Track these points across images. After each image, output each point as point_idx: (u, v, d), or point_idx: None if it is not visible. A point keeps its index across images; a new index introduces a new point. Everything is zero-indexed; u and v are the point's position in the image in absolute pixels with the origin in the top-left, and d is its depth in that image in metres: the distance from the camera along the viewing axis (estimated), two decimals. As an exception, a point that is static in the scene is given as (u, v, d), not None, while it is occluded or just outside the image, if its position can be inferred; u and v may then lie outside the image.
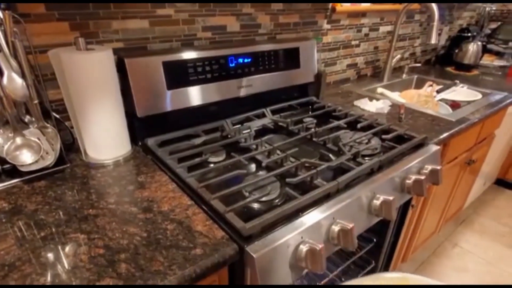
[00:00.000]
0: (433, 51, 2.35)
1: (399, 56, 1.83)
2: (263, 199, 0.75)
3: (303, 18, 1.36)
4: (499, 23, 2.42)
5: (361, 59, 1.80)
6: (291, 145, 1.00)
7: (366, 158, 0.94)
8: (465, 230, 2.14)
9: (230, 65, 1.07)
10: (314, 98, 1.38)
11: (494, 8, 2.53)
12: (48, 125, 0.84)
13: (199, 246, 0.61)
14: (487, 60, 2.28)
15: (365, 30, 1.70)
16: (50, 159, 0.81)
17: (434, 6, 1.43)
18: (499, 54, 2.34)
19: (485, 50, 2.24)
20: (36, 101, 0.80)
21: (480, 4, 2.50)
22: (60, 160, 0.85)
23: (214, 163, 0.92)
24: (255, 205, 0.75)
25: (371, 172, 0.87)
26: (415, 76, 1.97)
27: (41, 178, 0.81)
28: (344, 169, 0.85)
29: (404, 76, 1.94)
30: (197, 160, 0.88)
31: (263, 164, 0.87)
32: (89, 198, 0.74)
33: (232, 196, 0.74)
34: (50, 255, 0.58)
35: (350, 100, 1.46)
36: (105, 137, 0.88)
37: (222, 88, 1.08)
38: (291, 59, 1.24)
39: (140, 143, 0.99)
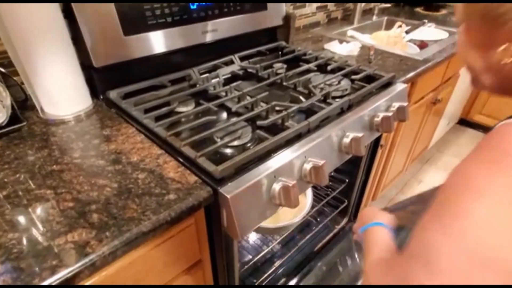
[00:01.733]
0: (402, -8, 2.30)
1: (368, -4, 1.78)
2: (235, 143, 0.74)
3: (268, -46, 1.26)
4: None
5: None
6: (262, 90, 0.97)
7: (337, 99, 0.94)
8: (430, 167, 2.28)
9: (191, 7, 0.99)
10: (284, 43, 1.34)
11: None
12: (-6, 80, 0.77)
13: (172, 191, 0.60)
14: (454, -1, 2.27)
15: (333, -32, 1.62)
16: (1, 118, 0.75)
17: None
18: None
19: (452, -11, 2.22)
20: (-25, 54, 0.72)
21: None
22: (14, 119, 0.79)
23: (183, 112, 0.89)
24: (228, 150, 0.74)
25: (341, 112, 0.88)
26: (385, 18, 1.95)
27: (-5, 138, 0.75)
28: (314, 111, 0.85)
29: (374, 18, 1.91)
30: (164, 110, 0.85)
31: (233, 110, 0.85)
32: (52, 155, 0.71)
33: (203, 142, 0.73)
34: (16, 212, 0.56)
35: (320, 45, 1.43)
36: (61, 90, 0.82)
37: (186, 33, 1.01)
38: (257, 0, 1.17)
39: (102, 97, 0.93)
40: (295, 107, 0.82)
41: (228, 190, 0.60)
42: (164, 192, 0.60)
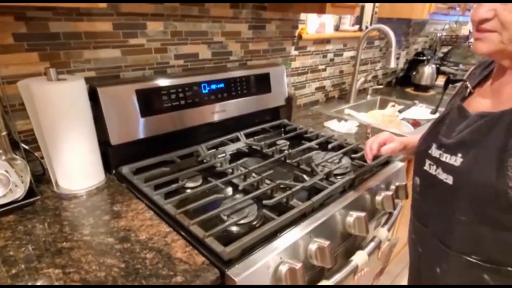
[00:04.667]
0: (393, 74, 2.51)
1: (362, 79, 1.95)
2: (241, 222, 0.76)
3: (272, 45, 1.43)
4: (450, 47, 2.65)
5: (328, 82, 1.89)
6: (266, 168, 1.02)
7: (338, 177, 0.99)
8: (434, 241, 2.23)
9: (203, 91, 1.10)
10: (286, 121, 1.43)
11: (444, 34, 2.77)
12: (17, 156, 0.82)
13: (179, 273, 0.61)
14: (441, 81, 2.47)
15: (330, 55, 1.80)
16: (19, 192, 0.78)
17: (390, 33, 1.56)
18: (451, 74, 2.55)
19: (439, 72, 2.44)
20: (4, 133, 0.78)
21: (432, 30, 2.73)
22: (30, 193, 0.82)
23: (191, 188, 0.92)
24: (234, 229, 0.76)
25: (343, 190, 0.91)
26: (379, 97, 2.10)
27: (9, 213, 0.77)
28: (318, 189, 0.88)
29: (368, 97, 2.06)
30: (173, 186, 0.88)
31: (240, 188, 0.88)
32: (62, 231, 0.72)
33: (211, 221, 0.75)
34: (22, 294, 0.56)
35: (320, 122, 1.53)
36: (77, 166, 0.87)
37: (196, 114, 1.10)
38: (262, 84, 1.30)
39: (114, 171, 0.97)
40: (299, 186, 0.86)
41: (236, 273, 0.60)
42: (172, 273, 0.61)
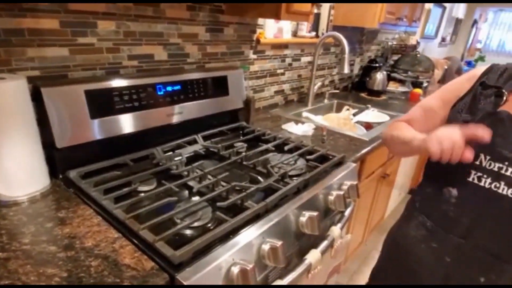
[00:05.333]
0: (349, 79, 2.63)
1: (319, 83, 2.02)
2: (195, 224, 0.76)
3: (230, 48, 1.44)
4: (399, 55, 2.83)
5: (287, 86, 1.94)
6: (223, 170, 1.02)
7: (294, 178, 1.01)
8: (388, 238, 2.35)
9: (159, 93, 1.08)
10: (244, 123, 1.44)
11: (395, 43, 2.95)
12: None
13: (126, 280, 0.59)
14: (392, 86, 2.63)
15: (288, 60, 1.85)
16: None
17: (344, 40, 1.63)
18: (401, 82, 2.72)
19: (390, 78, 2.59)
20: None
21: (383, 39, 2.90)
22: (-40, 201, 0.75)
23: (144, 192, 0.90)
24: (188, 232, 0.75)
25: (297, 191, 0.94)
26: (335, 101, 2.18)
27: None
28: (273, 190, 0.90)
29: (325, 101, 2.13)
30: (125, 190, 0.85)
31: (194, 190, 0.88)
32: (-2, 241, 0.67)
33: (163, 225, 0.73)
34: None
35: (278, 124, 1.56)
36: (17, 171, 0.81)
37: (151, 116, 1.07)
38: (220, 86, 1.30)
39: (61, 176, 0.92)
40: (253, 187, 0.87)
41: (186, 277, 0.59)
42: (118, 280, 0.58)
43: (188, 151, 1.16)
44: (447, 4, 4.37)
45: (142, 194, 0.87)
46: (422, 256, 0.84)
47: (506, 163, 0.67)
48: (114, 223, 0.74)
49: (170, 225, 0.73)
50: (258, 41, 1.54)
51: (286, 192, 0.89)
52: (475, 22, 5.75)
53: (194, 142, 1.23)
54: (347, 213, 1.08)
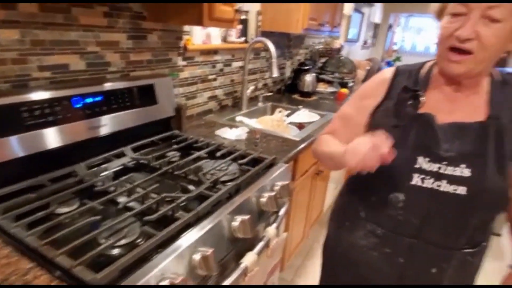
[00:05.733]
0: (282, 82, 2.73)
1: (252, 87, 2.06)
2: (122, 242, 0.72)
3: (156, 55, 1.40)
4: (326, 58, 3.02)
5: (220, 91, 1.95)
6: (153, 182, 0.99)
7: (228, 183, 1.02)
8: (327, 230, 2.49)
9: (76, 105, 1.01)
10: (177, 132, 1.41)
11: (321, 47, 3.15)
12: None
13: (41, 313, 0.54)
14: (321, 87, 2.80)
15: (219, 65, 1.86)
16: None
17: (270, 45, 1.69)
18: (329, 82, 2.91)
19: (319, 80, 2.75)
20: None
21: (311, 43, 3.07)
22: None
23: (64, 214, 0.83)
24: (115, 251, 0.71)
25: (229, 196, 0.94)
26: (269, 104, 2.25)
27: None
28: (204, 197, 0.89)
29: (259, 104, 2.19)
30: (40, 214, 0.78)
31: (120, 206, 0.83)
32: None
33: (86, 247, 0.68)
34: None
35: (213, 130, 1.55)
36: None
37: (71, 131, 1.00)
38: (147, 95, 1.26)
39: (-41, 206, 0.81)
40: (184, 197, 0.86)
41: (109, 299, 0.56)
42: (31, 315, 0.53)
43: (116, 164, 1.10)
44: (365, 10, 4.79)
45: (62, 217, 0.81)
46: (374, 263, 0.85)
47: (444, 162, 0.71)
48: (27, 252, 0.67)
49: (94, 247, 0.69)
50: (185, 47, 1.52)
51: (218, 199, 0.89)
52: (390, 26, 6.39)
53: (123, 154, 1.17)
54: (281, 212, 1.12)
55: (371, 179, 0.74)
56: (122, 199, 0.89)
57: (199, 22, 1.13)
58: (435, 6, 0.72)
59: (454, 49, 0.66)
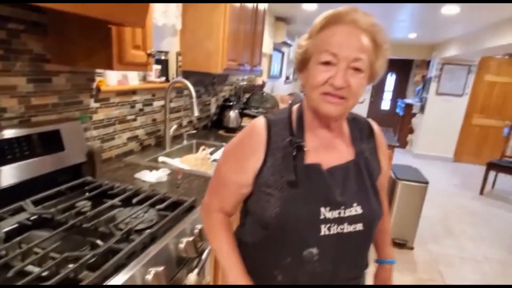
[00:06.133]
0: (207, 118, 2.76)
1: (175, 126, 2.04)
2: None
3: (64, 98, 1.31)
4: (250, 94, 3.17)
5: (141, 131, 1.89)
6: (57, 238, 0.89)
7: (143, 233, 0.96)
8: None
9: (-42, 160, 0.88)
10: (90, 178, 1.31)
11: (245, 83, 3.30)
12: None
13: None
14: (246, 122, 2.90)
15: (139, 105, 1.81)
16: None
17: (190, 85, 1.72)
18: (254, 117, 3.03)
19: (244, 115, 2.85)
20: None
21: (235, 80, 3.20)
22: None
23: None
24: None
25: (144, 247, 0.89)
26: (194, 141, 2.24)
27: None
28: (115, 252, 0.83)
29: (184, 142, 2.17)
30: None
31: (10, 274, 0.73)
32: None
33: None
34: None
35: (133, 173, 1.48)
36: None
37: (-51, 189, 0.86)
38: (51, 141, 1.16)
39: None
40: (89, 255, 0.79)
41: None
42: None
43: (10, 223, 0.97)
44: (284, 49, 5.20)
45: None
46: None
47: (342, 207, 0.74)
48: None
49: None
50: (98, 89, 1.46)
51: (131, 251, 0.84)
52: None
53: (22, 210, 1.04)
54: (204, 256, 1.09)
55: (282, 241, 0.76)
56: (16, 264, 0.78)
57: (109, 66, 1.11)
58: (297, 60, 0.79)
59: (328, 94, 0.71)
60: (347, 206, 0.75)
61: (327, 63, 0.70)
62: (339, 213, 0.74)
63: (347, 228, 0.75)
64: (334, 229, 0.74)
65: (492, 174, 4.35)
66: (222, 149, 2.08)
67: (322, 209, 0.74)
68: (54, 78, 1.25)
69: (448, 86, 5.64)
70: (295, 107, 0.83)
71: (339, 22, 0.70)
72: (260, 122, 0.80)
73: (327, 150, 0.79)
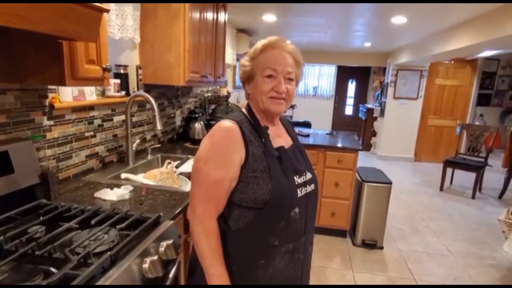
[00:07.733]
0: (173, 131, 2.71)
1: (138, 140, 1.98)
2: None
3: (13, 117, 1.23)
4: (215, 105, 3.15)
5: (101, 148, 1.81)
6: (6, 269, 0.83)
7: (103, 255, 0.91)
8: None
9: None
10: (44, 200, 1.23)
11: (210, 94, 3.28)
12: None
13: None
14: (213, 133, 2.87)
15: (97, 121, 1.74)
16: None
17: (151, 99, 1.68)
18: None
19: (209, 125, 2.83)
20: None
21: (199, 91, 3.18)
22: None
23: None
24: None
25: (104, 270, 0.85)
26: (159, 155, 2.18)
27: None
28: (71, 278, 0.78)
29: (149, 157, 2.10)
30: None
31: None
32: None
33: None
34: None
35: (93, 192, 1.41)
36: None
37: None
38: (-1, 164, 1.08)
39: None
40: (41, 285, 0.73)
41: None
42: None
43: (-50, 256, 0.88)
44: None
45: None
46: (292, 274, 1.01)
47: (303, 174, 1.01)
48: None
49: None
50: (52, 106, 1.39)
51: (88, 276, 0.79)
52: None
53: (-36, 240, 0.95)
54: (171, 274, 1.05)
55: (276, 211, 0.93)
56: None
57: (61, 82, 1.06)
58: (244, 75, 1.01)
59: (274, 98, 0.96)
60: (304, 173, 1.02)
61: (270, 76, 0.95)
62: (303, 179, 1.00)
63: (308, 189, 1.01)
64: (304, 191, 0.99)
65: (449, 170, 4.62)
66: (188, 162, 2.05)
67: (296, 177, 0.98)
68: (1, 96, 1.17)
69: (404, 90, 5.97)
70: (244, 110, 1.04)
71: (273, 47, 0.96)
72: (230, 123, 0.95)
73: (278, 137, 1.04)
